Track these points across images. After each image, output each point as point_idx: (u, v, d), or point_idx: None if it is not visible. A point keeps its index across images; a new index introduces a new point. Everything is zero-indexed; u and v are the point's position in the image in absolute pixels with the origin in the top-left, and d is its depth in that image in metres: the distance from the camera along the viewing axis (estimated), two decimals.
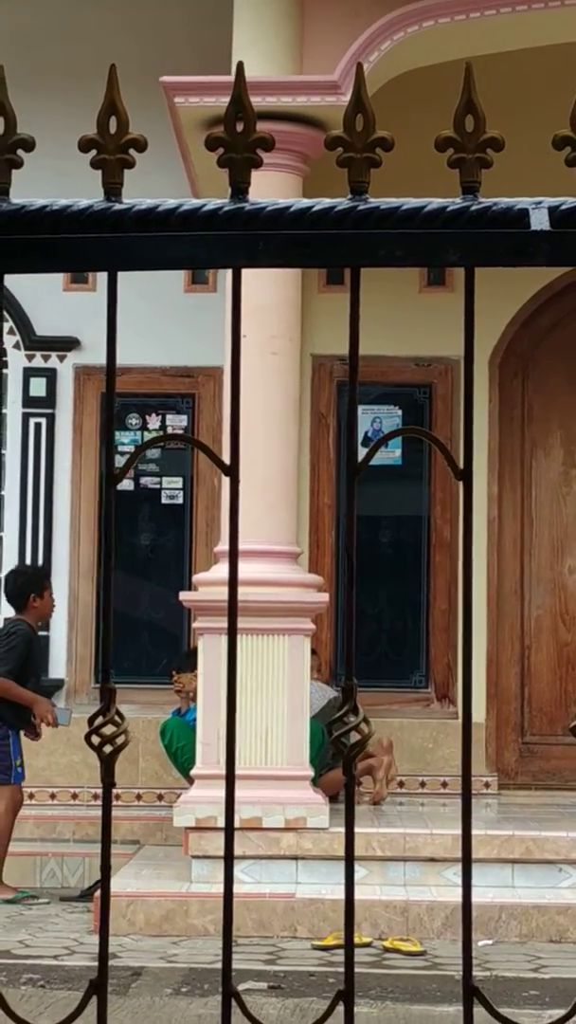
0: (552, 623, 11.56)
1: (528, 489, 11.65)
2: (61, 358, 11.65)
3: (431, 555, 11.54)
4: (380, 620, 11.44)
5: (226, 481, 8.21)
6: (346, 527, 2.03)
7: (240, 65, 2.04)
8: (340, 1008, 2.07)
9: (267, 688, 8.98)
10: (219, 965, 7.88)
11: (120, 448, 11.18)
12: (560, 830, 9.21)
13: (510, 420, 11.62)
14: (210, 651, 9.08)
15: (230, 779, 2.06)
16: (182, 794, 9.34)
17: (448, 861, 8.95)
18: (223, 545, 9.44)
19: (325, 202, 1.99)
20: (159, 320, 11.30)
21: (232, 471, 2.04)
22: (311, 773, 9.16)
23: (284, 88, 9.07)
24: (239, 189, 2.02)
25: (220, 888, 8.71)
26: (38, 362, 11.67)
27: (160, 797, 11.11)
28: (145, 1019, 6.77)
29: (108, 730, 2.07)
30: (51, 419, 11.63)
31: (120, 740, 2.07)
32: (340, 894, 8.66)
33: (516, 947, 8.52)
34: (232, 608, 2.07)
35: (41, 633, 11.18)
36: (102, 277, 11.02)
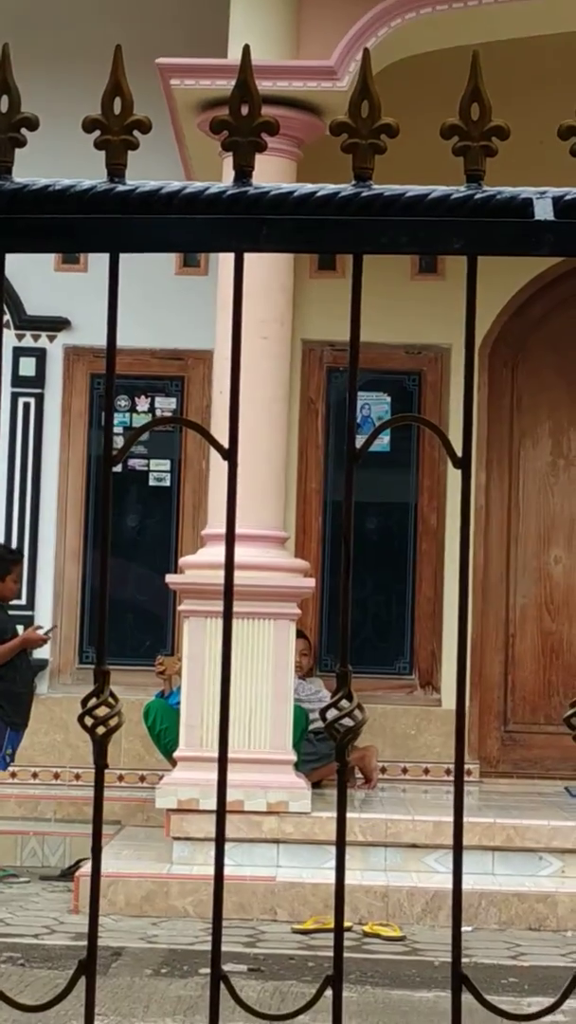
0: (537, 612, 11.58)
1: (516, 478, 11.66)
2: (51, 338, 11.63)
3: (417, 542, 11.54)
4: (365, 606, 11.44)
5: (215, 464, 8.22)
6: (344, 514, 2.03)
7: (246, 48, 2.04)
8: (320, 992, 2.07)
9: (252, 672, 8.99)
10: (199, 947, 7.90)
11: None
12: (541, 818, 9.24)
13: (499, 409, 11.63)
14: (195, 634, 9.09)
15: (222, 761, 2.06)
16: (164, 776, 9.35)
17: (429, 847, 8.98)
18: (210, 528, 9.45)
19: (329, 188, 1.98)
20: (150, 302, 11.28)
21: (231, 455, 2.04)
22: (294, 757, 9.17)
23: (280, 72, 9.05)
24: (243, 173, 2.01)
25: (200, 870, 8.76)
26: (28, 342, 11.65)
27: (142, 778, 11.12)
28: (125, 999, 6.78)
29: (101, 711, 2.07)
30: (40, 399, 11.62)
31: (113, 722, 2.06)
32: (320, 878, 8.69)
33: (495, 934, 8.55)
34: (228, 590, 2.07)
35: (26, 613, 11.18)
36: (93, 258, 11.05)
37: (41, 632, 10.31)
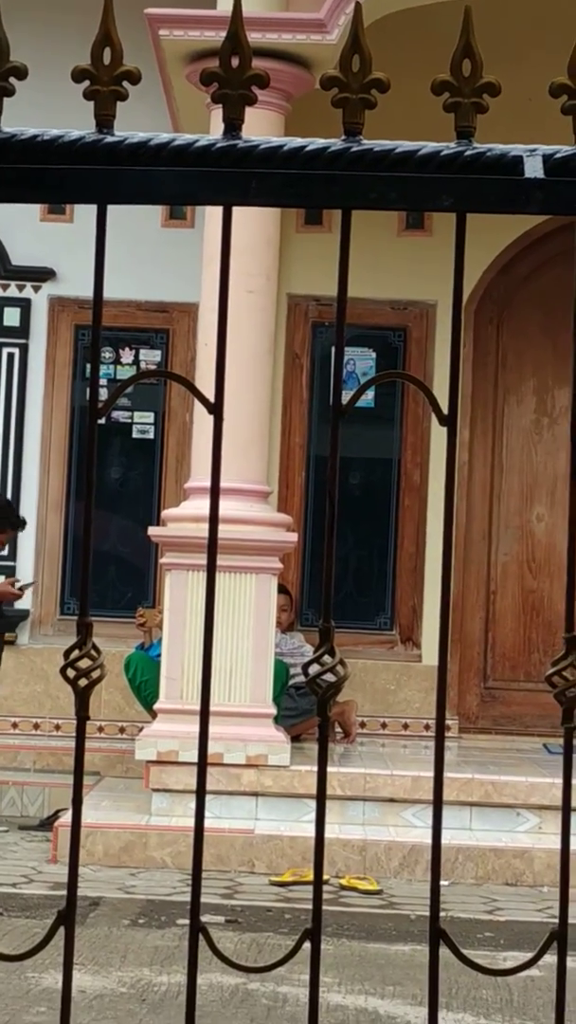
0: (518, 570, 11.61)
1: (499, 436, 11.67)
2: (36, 289, 11.59)
3: (400, 498, 11.55)
4: (347, 562, 11.46)
5: (199, 418, 8.17)
6: (329, 471, 2.03)
7: (238, 0, 2.03)
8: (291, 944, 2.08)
9: (233, 626, 9.01)
10: (176, 897, 7.92)
11: None
12: (519, 775, 9.28)
13: (484, 366, 11.63)
14: (177, 587, 9.10)
15: (204, 714, 2.07)
16: (144, 728, 9.38)
17: (407, 802, 9.02)
18: (193, 481, 9.44)
19: (319, 142, 1.98)
20: (136, 254, 11.24)
21: (216, 409, 2.04)
22: (274, 711, 9.20)
23: (269, 24, 8.99)
24: (233, 125, 2.00)
25: (179, 821, 8.79)
26: (13, 292, 11.60)
27: (122, 730, 11.15)
28: (103, 949, 6.81)
29: (84, 664, 2.07)
30: (24, 349, 11.58)
31: (96, 674, 2.07)
32: (298, 831, 8.72)
33: (472, 889, 8.60)
34: (212, 544, 2.08)
35: (8, 563, 11.18)
36: (79, 208, 10.99)
37: (17, 587, 10.30)
